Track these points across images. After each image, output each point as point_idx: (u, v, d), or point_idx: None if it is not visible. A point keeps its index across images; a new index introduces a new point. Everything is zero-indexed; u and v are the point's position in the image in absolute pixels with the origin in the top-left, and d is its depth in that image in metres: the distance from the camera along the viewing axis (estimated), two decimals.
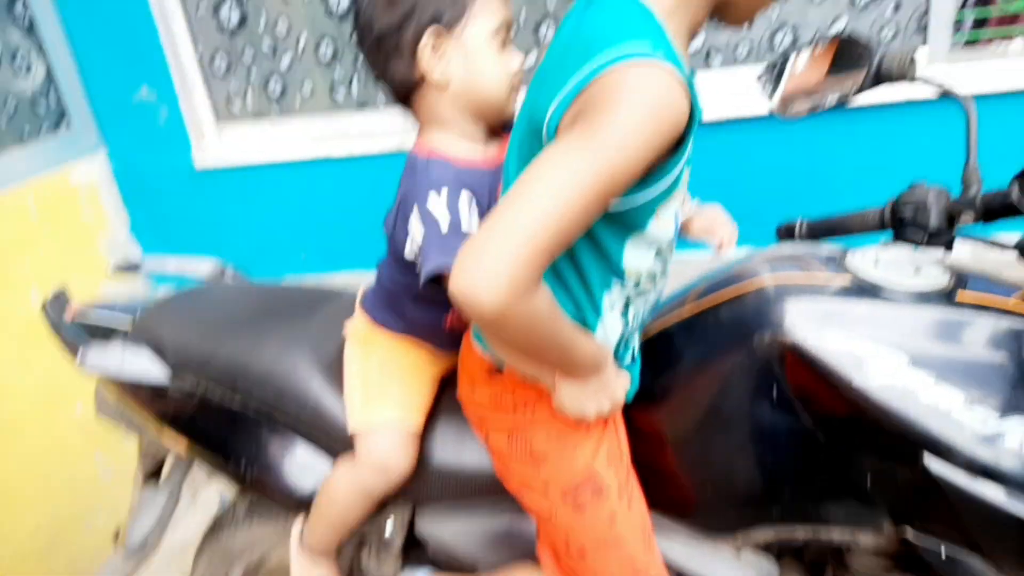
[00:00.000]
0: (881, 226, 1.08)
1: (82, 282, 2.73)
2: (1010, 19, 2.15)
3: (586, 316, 0.90)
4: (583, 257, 0.86)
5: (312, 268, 2.86)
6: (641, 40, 0.71)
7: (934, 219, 1.01)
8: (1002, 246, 0.98)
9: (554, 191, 0.64)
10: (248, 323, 1.34)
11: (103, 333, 1.42)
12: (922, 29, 1.96)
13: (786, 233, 1.21)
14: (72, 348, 1.39)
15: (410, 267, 0.98)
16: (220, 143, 2.74)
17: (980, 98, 1.05)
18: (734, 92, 2.08)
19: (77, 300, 1.50)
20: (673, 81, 0.69)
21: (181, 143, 2.75)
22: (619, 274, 0.88)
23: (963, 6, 2.05)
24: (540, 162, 0.68)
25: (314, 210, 2.74)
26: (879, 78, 1.07)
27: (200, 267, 1.65)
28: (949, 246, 1.03)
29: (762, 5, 0.83)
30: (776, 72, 1.19)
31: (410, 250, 0.94)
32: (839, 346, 0.85)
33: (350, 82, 2.56)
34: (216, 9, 2.56)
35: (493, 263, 0.63)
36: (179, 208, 2.88)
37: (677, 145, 0.74)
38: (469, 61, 0.87)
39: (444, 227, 0.86)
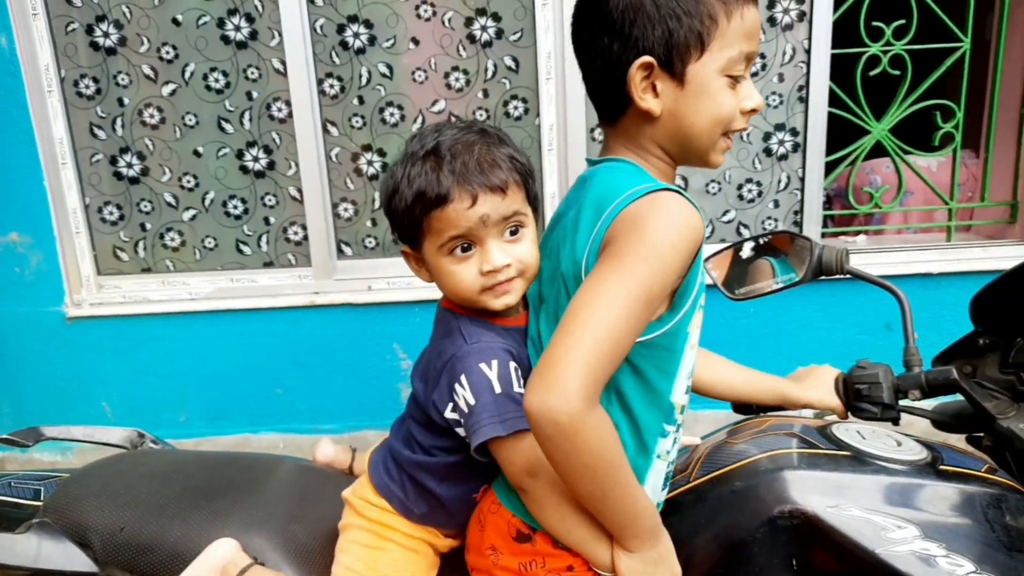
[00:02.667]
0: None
1: None
2: (849, 218, 2.57)
3: (638, 463, 0.92)
4: (636, 405, 0.90)
5: (193, 432, 2.62)
6: (647, 180, 0.85)
7: (886, 396, 1.15)
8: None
9: (603, 309, 0.75)
10: (193, 500, 1.18)
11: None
12: (796, 223, 2.30)
13: (743, 405, 1.31)
14: None
15: (445, 433, 0.97)
16: (99, 294, 2.55)
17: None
18: None
19: None
20: (685, 200, 0.81)
21: (52, 292, 2.52)
22: (670, 414, 0.93)
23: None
24: (583, 289, 0.78)
25: (202, 366, 2.56)
26: (819, 271, 1.24)
27: (112, 435, 1.47)
28: (897, 421, 1.17)
29: (711, 153, 0.91)
30: (724, 258, 1.34)
31: (451, 415, 0.93)
32: (858, 517, 0.91)
33: (259, 239, 2.52)
34: (113, 160, 2.47)
35: (562, 373, 0.72)
36: (40, 362, 2.59)
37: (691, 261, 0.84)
38: (437, 277, 0.96)
39: (496, 393, 0.87)
